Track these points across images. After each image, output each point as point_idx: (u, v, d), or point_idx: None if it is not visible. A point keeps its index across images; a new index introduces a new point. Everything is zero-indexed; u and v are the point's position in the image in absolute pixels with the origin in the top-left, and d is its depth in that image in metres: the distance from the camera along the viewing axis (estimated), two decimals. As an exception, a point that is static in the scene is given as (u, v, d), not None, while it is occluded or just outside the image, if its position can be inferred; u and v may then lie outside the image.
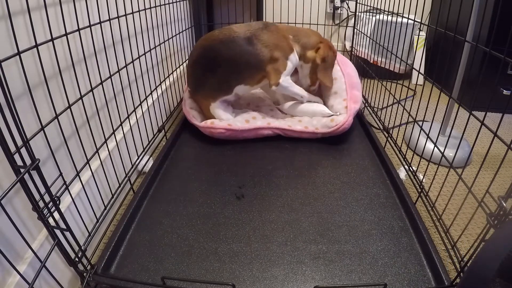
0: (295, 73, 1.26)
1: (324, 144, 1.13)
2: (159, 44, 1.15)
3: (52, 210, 0.55)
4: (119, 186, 0.86)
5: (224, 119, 1.13)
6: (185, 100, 1.24)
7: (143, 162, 1.00)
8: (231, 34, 1.08)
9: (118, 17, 0.84)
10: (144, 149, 1.03)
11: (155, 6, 1.11)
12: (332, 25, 2.08)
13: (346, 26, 2.04)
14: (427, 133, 0.85)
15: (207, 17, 1.67)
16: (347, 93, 1.21)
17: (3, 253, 0.47)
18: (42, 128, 0.56)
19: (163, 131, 1.18)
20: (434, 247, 0.70)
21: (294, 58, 1.14)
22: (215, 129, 1.11)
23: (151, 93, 1.11)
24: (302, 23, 1.79)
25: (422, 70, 1.81)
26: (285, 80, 1.12)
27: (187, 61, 1.18)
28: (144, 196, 0.87)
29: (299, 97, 1.20)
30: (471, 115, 0.69)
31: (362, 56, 1.82)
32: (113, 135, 0.83)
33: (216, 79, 1.10)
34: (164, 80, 1.23)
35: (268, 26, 1.12)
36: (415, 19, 1.04)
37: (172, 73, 1.32)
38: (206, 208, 0.84)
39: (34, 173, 0.50)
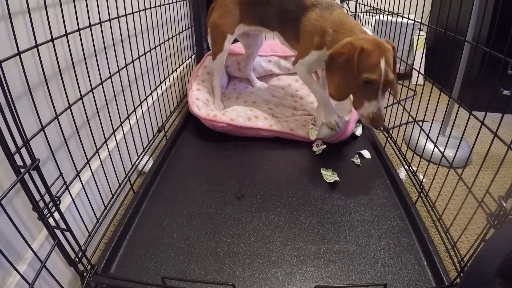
0: None
1: (324, 144, 1.12)
2: (159, 44, 1.15)
3: (52, 210, 0.55)
4: (119, 186, 0.86)
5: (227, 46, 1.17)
6: (191, 91, 1.24)
7: (143, 162, 1.00)
8: None
9: (118, 17, 0.84)
10: (144, 149, 1.03)
11: (155, 6, 1.11)
12: (332, 25, 2.07)
13: (346, 26, 2.04)
14: (427, 133, 0.85)
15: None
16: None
17: (3, 253, 0.47)
18: (42, 128, 0.56)
19: (163, 131, 1.18)
20: (434, 247, 0.70)
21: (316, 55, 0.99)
22: (217, 123, 1.11)
23: (151, 93, 1.11)
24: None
25: (422, 70, 1.80)
26: (301, 68, 1.05)
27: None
28: (144, 196, 0.87)
29: (314, 93, 1.11)
30: (471, 115, 0.69)
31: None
32: (113, 135, 0.83)
33: (263, 10, 1.09)
34: (164, 80, 1.23)
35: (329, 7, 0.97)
36: (415, 19, 1.04)
37: (172, 73, 1.32)
38: (206, 208, 0.84)
39: (34, 173, 0.50)
